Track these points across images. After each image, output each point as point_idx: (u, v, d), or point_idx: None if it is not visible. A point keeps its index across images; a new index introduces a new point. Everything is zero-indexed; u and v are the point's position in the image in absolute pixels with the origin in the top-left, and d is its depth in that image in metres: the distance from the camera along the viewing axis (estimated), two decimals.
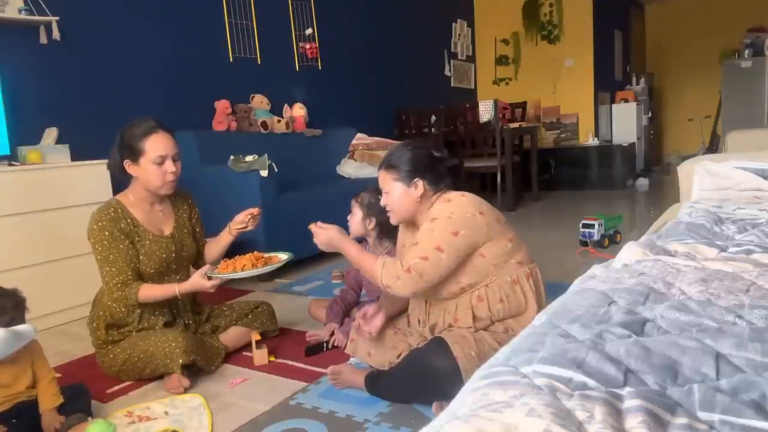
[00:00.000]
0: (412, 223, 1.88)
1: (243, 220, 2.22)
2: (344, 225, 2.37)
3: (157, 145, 1.99)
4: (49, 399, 1.64)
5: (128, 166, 2.03)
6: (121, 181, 2.17)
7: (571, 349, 0.91)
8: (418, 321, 1.89)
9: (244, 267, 2.01)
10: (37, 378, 1.67)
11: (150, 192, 2.08)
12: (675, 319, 1.03)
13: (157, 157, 1.99)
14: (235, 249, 2.25)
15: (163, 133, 2.02)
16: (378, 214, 2.28)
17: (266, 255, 2.12)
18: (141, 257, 2.06)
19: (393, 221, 1.87)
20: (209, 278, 1.98)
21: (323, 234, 1.76)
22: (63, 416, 1.63)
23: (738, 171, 2.54)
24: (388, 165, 1.79)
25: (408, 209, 1.79)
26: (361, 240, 2.44)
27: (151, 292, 2.02)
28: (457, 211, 1.68)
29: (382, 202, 1.84)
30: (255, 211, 2.22)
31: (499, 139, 5.42)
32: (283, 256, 2.12)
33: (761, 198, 2.33)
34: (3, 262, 2.55)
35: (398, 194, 1.78)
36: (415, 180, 1.75)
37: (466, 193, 1.77)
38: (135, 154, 2.00)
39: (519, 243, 1.80)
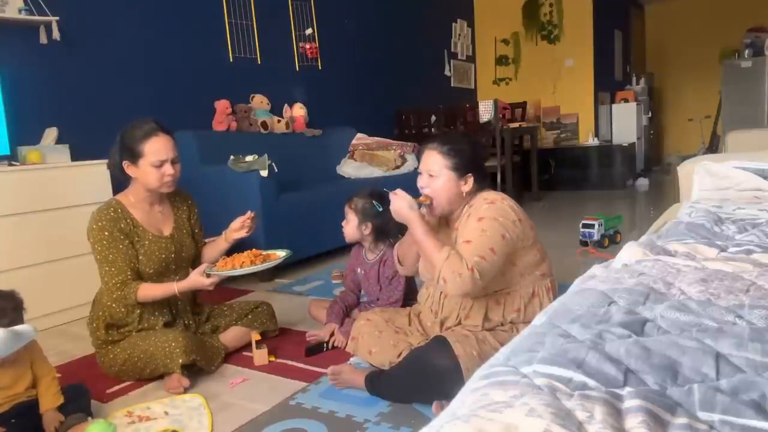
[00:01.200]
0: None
1: (238, 227, 2.19)
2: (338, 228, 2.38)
3: (156, 149, 1.99)
4: (50, 399, 1.64)
5: (127, 167, 2.03)
6: (121, 181, 2.17)
7: (571, 349, 0.91)
8: (431, 310, 1.88)
9: (243, 264, 2.02)
10: (38, 378, 1.67)
11: (150, 192, 2.08)
12: (675, 319, 1.03)
13: (156, 161, 1.99)
14: (235, 248, 2.25)
15: (162, 135, 2.01)
16: (373, 218, 2.28)
17: (264, 252, 2.12)
18: (140, 257, 2.06)
19: (430, 213, 1.79)
20: (208, 276, 1.99)
21: (395, 201, 1.71)
22: (63, 415, 1.64)
23: (738, 171, 2.53)
24: (445, 150, 1.72)
25: (450, 200, 1.75)
26: (355, 244, 2.45)
27: (150, 291, 2.02)
28: (502, 215, 1.66)
29: (422, 183, 1.77)
30: (250, 214, 2.20)
31: (499, 139, 5.43)
32: (281, 254, 2.13)
33: (761, 198, 2.33)
34: (3, 262, 2.55)
35: (446, 183, 1.72)
36: (468, 175, 1.72)
37: (506, 196, 1.75)
38: (134, 156, 2.00)
39: (544, 254, 1.80)
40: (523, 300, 1.74)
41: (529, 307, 1.74)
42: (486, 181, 1.80)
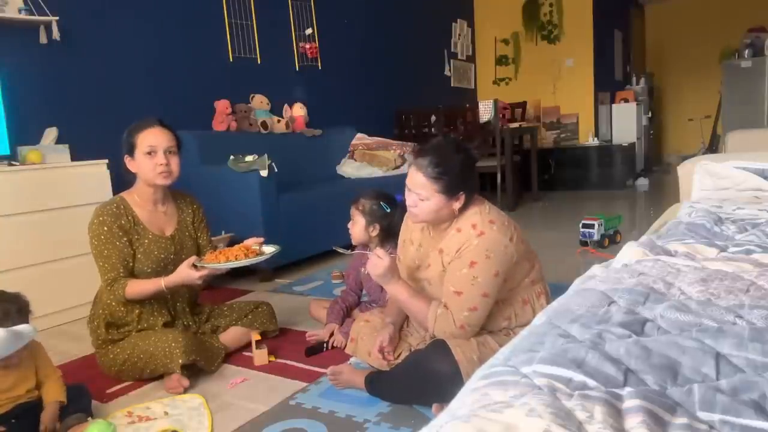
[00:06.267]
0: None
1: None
2: (344, 226, 2.38)
3: (147, 137, 2.02)
4: (57, 391, 1.65)
5: (128, 161, 2.06)
6: (125, 181, 2.17)
7: (571, 349, 0.91)
8: (420, 331, 1.89)
9: (237, 257, 2.01)
10: (44, 379, 1.67)
11: (151, 188, 2.09)
12: (675, 319, 1.03)
13: (146, 147, 2.01)
14: (230, 245, 2.25)
15: (158, 127, 2.04)
16: (380, 219, 2.26)
17: (254, 246, 2.11)
18: (138, 256, 2.06)
19: (414, 221, 1.77)
20: (197, 269, 1.98)
21: (374, 265, 1.68)
22: (59, 420, 1.63)
23: (738, 171, 2.53)
24: (433, 174, 1.60)
25: (440, 219, 1.69)
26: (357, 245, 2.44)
27: (139, 286, 2.02)
28: (492, 248, 1.60)
29: (409, 202, 1.68)
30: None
31: (499, 139, 5.42)
32: (270, 249, 2.13)
33: (761, 198, 2.33)
34: (3, 262, 2.55)
35: (436, 205, 1.63)
36: (460, 194, 1.63)
37: (494, 216, 1.67)
38: (131, 149, 2.03)
39: (533, 260, 1.78)
40: (513, 308, 1.73)
41: (521, 315, 1.73)
42: (476, 189, 1.72)
